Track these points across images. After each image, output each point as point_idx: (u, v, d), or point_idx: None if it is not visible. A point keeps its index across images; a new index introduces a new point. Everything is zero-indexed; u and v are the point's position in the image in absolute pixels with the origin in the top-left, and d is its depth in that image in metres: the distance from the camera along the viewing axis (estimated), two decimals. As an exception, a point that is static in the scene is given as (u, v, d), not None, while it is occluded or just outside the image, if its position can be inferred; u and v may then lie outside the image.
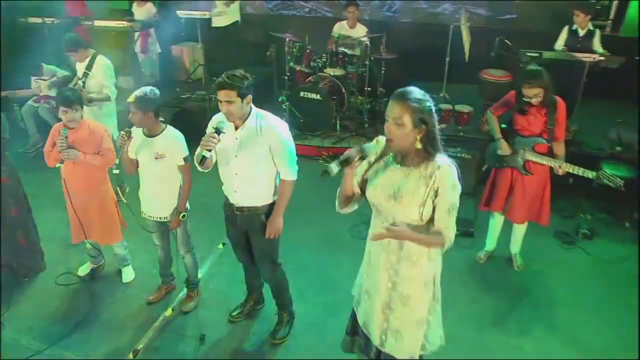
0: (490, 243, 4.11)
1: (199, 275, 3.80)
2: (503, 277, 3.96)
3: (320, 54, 6.49)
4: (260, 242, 3.00)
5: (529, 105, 3.42)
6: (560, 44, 5.49)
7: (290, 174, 2.88)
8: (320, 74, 6.30)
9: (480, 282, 3.90)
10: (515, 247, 4.03)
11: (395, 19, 7.47)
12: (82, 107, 3.34)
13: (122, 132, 3.09)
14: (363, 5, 7.43)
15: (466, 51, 5.73)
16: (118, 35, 6.46)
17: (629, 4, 6.40)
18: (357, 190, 2.24)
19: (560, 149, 3.49)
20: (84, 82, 4.38)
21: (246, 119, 2.77)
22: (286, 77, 6.54)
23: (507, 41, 5.54)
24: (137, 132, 3.18)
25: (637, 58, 5.89)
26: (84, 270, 3.93)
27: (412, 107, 1.97)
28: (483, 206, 3.94)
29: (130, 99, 3.01)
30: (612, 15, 6.57)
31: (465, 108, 5.44)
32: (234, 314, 3.51)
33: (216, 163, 2.92)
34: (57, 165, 3.31)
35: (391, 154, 2.16)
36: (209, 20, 6.92)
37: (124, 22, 6.29)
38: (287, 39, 6.43)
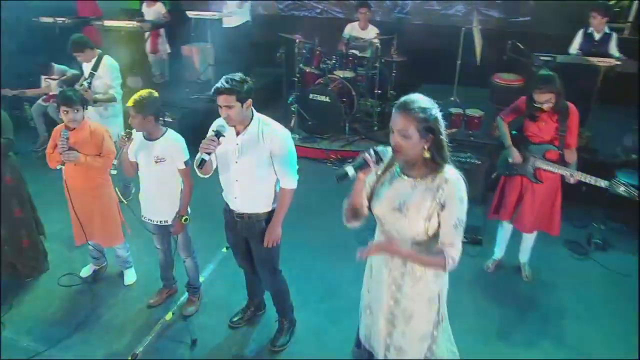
0: (499, 252, 4.01)
1: (201, 279, 3.76)
2: (511, 287, 3.86)
3: (330, 56, 6.45)
4: (260, 249, 2.95)
5: (540, 111, 3.32)
6: (575, 47, 5.36)
7: (290, 182, 2.82)
8: (330, 75, 6.26)
9: (487, 291, 3.80)
10: (524, 256, 3.92)
11: (407, 20, 7.38)
12: (83, 108, 3.32)
13: (122, 134, 3.07)
14: (375, 6, 7.36)
15: (477, 54, 5.62)
16: (128, 35, 6.46)
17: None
18: (366, 202, 2.15)
19: (572, 156, 3.38)
20: (89, 83, 4.37)
21: (248, 124, 2.72)
22: (296, 79, 6.50)
23: (520, 44, 5.41)
24: (137, 135, 3.16)
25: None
26: (86, 271, 3.93)
27: (417, 117, 1.89)
28: (492, 214, 3.84)
29: (129, 102, 2.99)
30: (631, 17, 6.40)
31: (476, 112, 5.32)
32: (234, 319, 3.46)
33: (217, 169, 2.88)
34: (58, 167, 3.30)
35: (398, 164, 2.09)
36: (220, 20, 6.91)
37: (134, 22, 6.30)
38: (297, 40, 6.39)
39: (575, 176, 3.23)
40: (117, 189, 3.62)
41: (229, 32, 6.91)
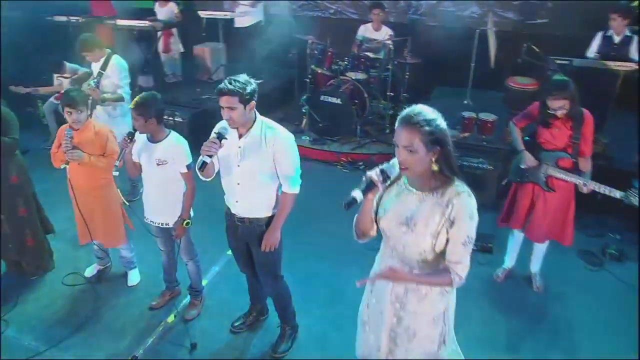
0: (509, 261, 3.90)
1: (204, 282, 3.74)
2: (521, 297, 3.75)
3: (342, 57, 6.39)
4: (260, 254, 2.89)
5: (553, 117, 3.20)
6: (593, 50, 5.20)
7: (292, 186, 2.76)
8: (341, 77, 6.20)
9: (496, 301, 3.69)
10: (535, 266, 3.81)
11: (422, 22, 7.27)
12: (87, 108, 3.32)
13: (125, 135, 3.04)
14: (389, 7, 7.27)
15: (492, 57, 5.50)
16: (140, 35, 6.48)
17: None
18: (373, 216, 2.08)
19: (586, 165, 3.26)
20: (97, 82, 4.37)
21: (250, 127, 2.67)
22: (308, 80, 6.45)
23: (535, 47, 5.27)
24: (142, 136, 3.13)
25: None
26: (90, 271, 3.93)
27: (421, 130, 1.80)
28: (502, 222, 3.74)
29: (131, 104, 2.96)
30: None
31: (489, 117, 5.20)
32: (236, 324, 3.42)
33: (219, 172, 2.84)
34: (62, 166, 3.29)
35: (406, 177, 2.01)
36: (232, 20, 6.89)
37: (146, 22, 6.31)
38: (310, 41, 6.34)
39: (588, 186, 3.12)
40: (119, 190, 3.61)
41: (241, 32, 6.89)
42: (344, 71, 6.26)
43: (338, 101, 5.95)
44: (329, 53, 6.47)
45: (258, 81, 7.11)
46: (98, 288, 3.80)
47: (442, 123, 1.86)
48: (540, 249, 3.71)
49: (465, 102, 5.99)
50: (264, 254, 2.87)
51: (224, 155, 2.71)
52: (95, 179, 3.40)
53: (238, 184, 2.75)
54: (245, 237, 2.91)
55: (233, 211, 2.86)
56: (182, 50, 7.31)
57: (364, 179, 1.91)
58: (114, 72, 4.38)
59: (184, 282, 3.66)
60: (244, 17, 6.80)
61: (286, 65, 7.64)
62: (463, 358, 2.30)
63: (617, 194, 3.04)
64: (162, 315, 3.55)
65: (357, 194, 1.87)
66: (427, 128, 1.80)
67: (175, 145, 3.09)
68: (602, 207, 4.11)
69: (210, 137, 2.62)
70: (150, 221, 3.32)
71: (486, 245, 4.21)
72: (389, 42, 6.29)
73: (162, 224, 3.27)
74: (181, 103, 6.32)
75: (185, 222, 3.16)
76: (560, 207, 3.42)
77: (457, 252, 1.90)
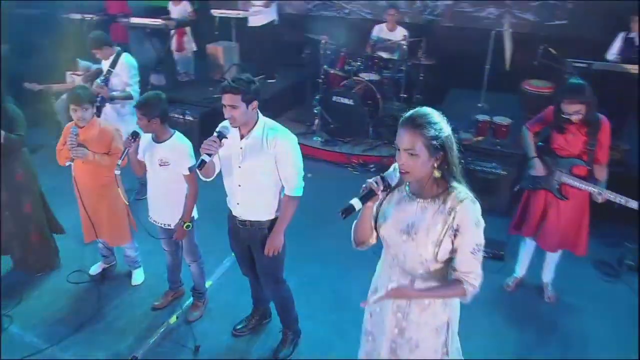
0: (520, 269, 3.78)
1: (208, 284, 3.70)
2: (531, 308, 3.63)
3: (355, 58, 6.32)
4: (262, 258, 2.84)
5: (568, 122, 3.08)
6: (613, 53, 5.04)
7: (295, 189, 2.69)
8: (354, 78, 6.13)
9: (505, 311, 3.58)
10: (547, 275, 3.68)
11: (437, 22, 7.15)
12: (93, 106, 3.30)
13: (129, 134, 3.02)
14: (405, 7, 7.18)
15: (507, 59, 5.37)
16: (153, 33, 6.50)
17: None
18: (372, 223, 2.01)
19: (601, 173, 3.13)
20: (106, 80, 4.37)
21: (252, 127, 2.62)
22: (320, 80, 6.39)
23: (552, 49, 5.11)
24: (146, 135, 3.11)
25: None
26: (95, 269, 3.92)
27: (425, 133, 1.72)
28: (513, 229, 3.63)
29: (134, 104, 2.93)
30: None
31: (504, 120, 5.08)
32: (238, 327, 3.37)
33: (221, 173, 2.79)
34: (66, 164, 3.28)
35: (407, 183, 1.93)
36: (246, 19, 6.87)
37: (159, 20, 6.32)
38: (323, 41, 6.28)
39: (603, 195, 2.99)
40: (123, 189, 3.57)
41: (254, 31, 6.87)
42: (357, 72, 6.20)
43: (350, 102, 5.89)
44: (342, 53, 6.42)
45: (271, 81, 7.12)
46: (102, 286, 3.79)
47: (447, 127, 1.78)
48: (552, 258, 3.59)
49: (480, 104, 5.86)
50: (265, 258, 2.81)
51: (226, 155, 2.67)
52: (99, 177, 3.39)
53: (239, 185, 2.70)
54: (247, 240, 2.86)
55: (234, 213, 2.81)
56: (195, 49, 7.31)
57: (363, 186, 1.83)
58: (123, 70, 4.37)
59: (188, 282, 3.63)
60: (258, 17, 6.76)
61: (299, 65, 7.60)
62: None
63: (634, 204, 2.91)
64: (165, 315, 3.52)
65: (355, 202, 1.80)
66: (431, 131, 1.73)
67: (178, 146, 3.05)
68: (619, 214, 3.95)
69: (211, 136, 2.57)
70: (154, 221, 3.30)
71: (497, 253, 4.10)
72: (404, 42, 6.21)
73: (164, 224, 3.24)
74: (192, 102, 6.31)
75: (185, 224, 3.12)
76: (574, 216, 3.30)
77: (467, 262, 1.82)
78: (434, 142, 1.73)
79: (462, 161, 1.85)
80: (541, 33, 6.30)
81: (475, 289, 1.85)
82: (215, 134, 2.55)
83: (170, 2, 7.08)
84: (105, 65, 4.45)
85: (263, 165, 2.62)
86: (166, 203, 3.16)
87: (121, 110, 4.48)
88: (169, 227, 3.23)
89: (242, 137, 2.63)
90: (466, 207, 1.78)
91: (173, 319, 3.47)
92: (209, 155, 2.48)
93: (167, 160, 3.02)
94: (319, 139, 6.15)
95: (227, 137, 2.54)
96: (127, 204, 3.40)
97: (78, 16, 6.43)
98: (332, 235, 4.28)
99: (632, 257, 4.04)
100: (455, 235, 1.81)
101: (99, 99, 4.31)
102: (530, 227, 3.47)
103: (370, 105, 6.02)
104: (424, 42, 6.24)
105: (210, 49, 7.11)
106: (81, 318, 3.47)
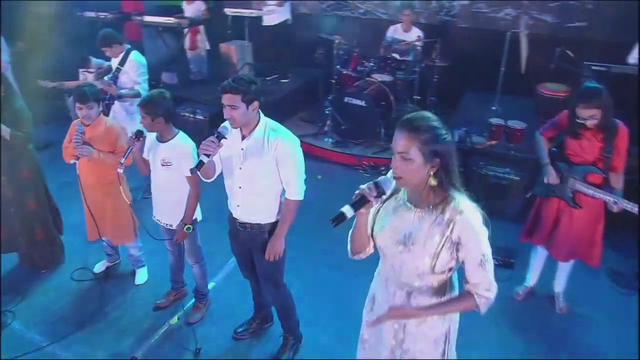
0: (531, 278, 3.67)
1: (210, 285, 3.66)
2: (542, 318, 3.51)
3: (368, 58, 6.24)
4: (262, 262, 2.78)
5: (583, 127, 2.95)
6: (634, 57, 4.86)
7: (296, 192, 2.63)
8: (367, 79, 6.06)
9: (514, 321, 3.47)
10: (559, 285, 3.56)
11: (453, 23, 7.02)
12: (99, 104, 3.29)
13: (132, 134, 2.99)
14: (420, 7, 7.07)
15: (523, 61, 5.23)
16: (166, 31, 6.51)
17: None
18: (369, 231, 1.93)
19: (617, 181, 3.00)
20: (115, 77, 4.36)
21: (254, 128, 2.56)
22: (333, 81, 6.33)
23: (569, 52, 4.96)
24: (152, 134, 3.08)
25: None
26: (99, 267, 3.92)
27: (420, 138, 1.65)
28: (524, 237, 3.52)
29: (138, 102, 2.91)
30: None
31: (518, 124, 4.94)
32: (239, 330, 3.33)
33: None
34: (72, 162, 3.27)
35: (404, 191, 1.85)
36: (259, 18, 6.84)
37: (172, 19, 6.32)
38: (336, 41, 6.22)
39: (619, 204, 2.86)
40: (126, 188, 3.56)
41: (267, 31, 6.84)
42: (370, 72, 6.13)
43: (362, 103, 5.81)
44: (355, 54, 6.34)
45: (285, 80, 7.06)
46: (105, 285, 3.78)
47: (446, 134, 1.70)
48: (564, 268, 3.47)
49: (494, 108, 5.72)
50: (265, 262, 2.76)
51: (227, 156, 2.62)
52: (104, 176, 3.37)
53: (240, 187, 2.65)
54: (247, 243, 2.81)
55: (235, 215, 2.77)
56: (208, 47, 7.31)
57: (356, 192, 1.74)
58: (131, 68, 4.37)
59: (191, 283, 3.60)
60: (271, 16, 6.73)
61: (312, 65, 7.55)
62: None
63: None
64: (167, 316, 3.50)
65: (346, 209, 1.71)
66: (427, 136, 1.65)
67: (180, 146, 3.01)
68: (636, 224, 3.83)
69: (210, 137, 2.53)
70: (158, 220, 3.28)
71: (508, 260, 4.00)
72: (418, 43, 6.11)
73: (167, 224, 3.22)
74: (203, 101, 6.29)
75: (186, 226, 3.08)
76: (588, 225, 3.17)
77: (476, 274, 1.76)
78: (430, 147, 1.65)
79: (462, 169, 1.77)
80: (559, 35, 6.14)
81: (490, 300, 1.79)
82: (214, 134, 2.51)
83: (184, 1, 7.08)
84: (114, 63, 4.45)
85: (264, 166, 2.57)
86: (168, 203, 3.13)
87: (130, 109, 4.48)
88: (171, 228, 3.20)
89: (243, 137, 2.58)
90: (466, 218, 1.71)
91: (174, 320, 3.45)
92: (207, 156, 2.43)
93: (170, 161, 2.98)
94: (330, 140, 6.08)
95: (226, 138, 2.49)
96: (130, 203, 3.38)
97: (93, 14, 6.48)
98: (339, 239, 4.18)
99: (649, 269, 3.89)
100: (457, 249, 1.74)
101: (107, 96, 4.31)
102: (542, 235, 3.35)
103: (383, 107, 5.93)
104: (438, 43, 6.12)
105: (223, 48, 7.09)
106: (83, 316, 3.46)
